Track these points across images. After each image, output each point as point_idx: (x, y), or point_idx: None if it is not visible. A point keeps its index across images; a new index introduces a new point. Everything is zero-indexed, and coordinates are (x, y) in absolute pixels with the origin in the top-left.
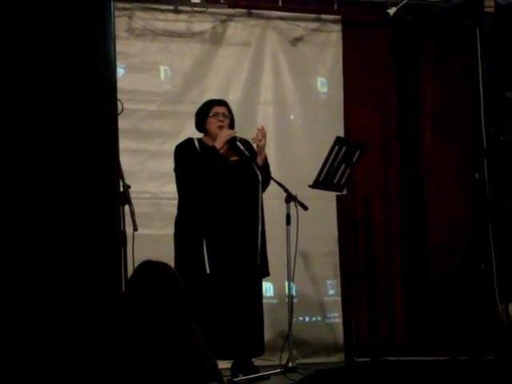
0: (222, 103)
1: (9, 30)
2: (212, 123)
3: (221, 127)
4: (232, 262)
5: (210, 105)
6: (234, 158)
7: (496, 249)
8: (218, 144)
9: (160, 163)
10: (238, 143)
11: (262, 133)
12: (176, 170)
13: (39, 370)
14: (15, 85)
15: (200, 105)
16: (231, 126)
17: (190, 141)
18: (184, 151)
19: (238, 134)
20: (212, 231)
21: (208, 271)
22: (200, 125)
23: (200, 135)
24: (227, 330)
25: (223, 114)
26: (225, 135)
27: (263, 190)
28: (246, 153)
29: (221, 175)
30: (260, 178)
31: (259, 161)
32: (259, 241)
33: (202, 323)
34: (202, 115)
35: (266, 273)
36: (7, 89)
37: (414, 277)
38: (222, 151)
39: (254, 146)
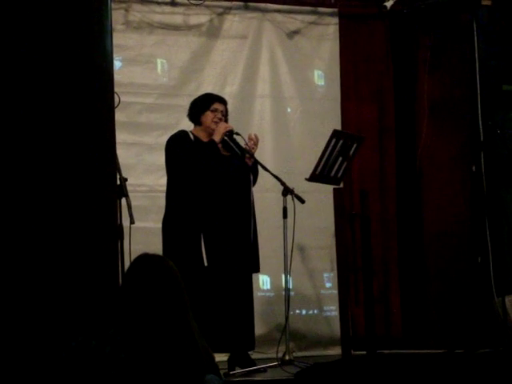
0: (223, 101)
1: (6, 23)
2: (209, 117)
3: (216, 123)
4: (228, 255)
5: (211, 99)
6: (226, 152)
7: (493, 242)
8: (217, 137)
9: (157, 156)
10: (237, 137)
11: (254, 141)
12: (171, 161)
13: (36, 363)
14: (12, 78)
15: (198, 96)
16: None
17: (184, 133)
18: (180, 143)
19: (234, 127)
20: (210, 224)
21: (206, 264)
22: (196, 116)
23: (190, 126)
24: (221, 323)
25: (222, 111)
26: (222, 128)
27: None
28: (238, 150)
29: (218, 169)
30: (251, 172)
31: (249, 162)
32: (251, 234)
33: (197, 316)
34: (201, 107)
35: (256, 268)
36: (5, 82)
37: (411, 270)
38: (218, 145)
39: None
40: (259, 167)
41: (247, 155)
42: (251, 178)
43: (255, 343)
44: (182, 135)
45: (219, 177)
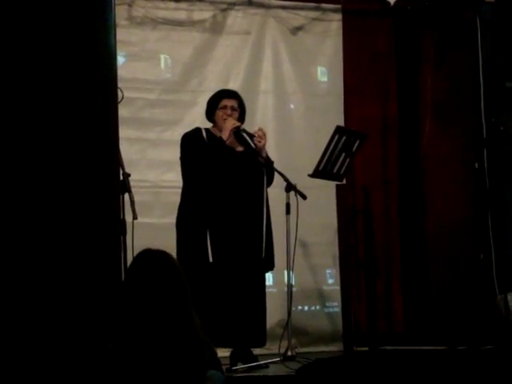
0: (231, 96)
1: (9, 20)
2: (219, 116)
3: (225, 120)
4: (234, 252)
5: (219, 97)
6: (240, 149)
7: (495, 239)
8: (224, 134)
9: (160, 152)
10: (245, 134)
11: (260, 134)
12: (182, 158)
13: (38, 358)
14: (16, 75)
15: (210, 94)
16: (241, 118)
17: (197, 130)
18: (191, 140)
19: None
20: (216, 221)
21: (211, 260)
22: (209, 115)
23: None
24: (228, 318)
25: (232, 107)
26: (229, 125)
27: (268, 185)
28: (252, 144)
29: (227, 166)
30: (264, 170)
31: (261, 159)
32: (264, 233)
33: (203, 311)
34: (212, 106)
35: (271, 266)
36: (8, 79)
37: (413, 266)
38: (228, 141)
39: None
40: None
41: (259, 153)
42: (264, 176)
43: (266, 340)
44: (193, 133)
45: (228, 174)
